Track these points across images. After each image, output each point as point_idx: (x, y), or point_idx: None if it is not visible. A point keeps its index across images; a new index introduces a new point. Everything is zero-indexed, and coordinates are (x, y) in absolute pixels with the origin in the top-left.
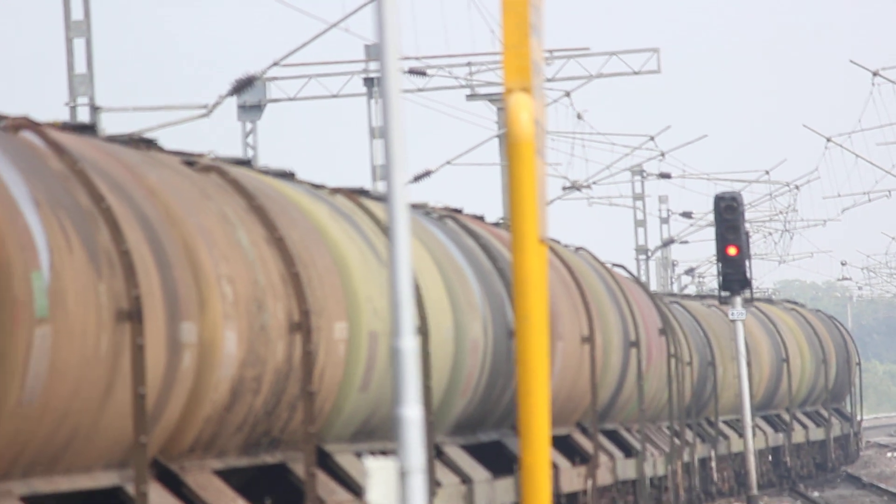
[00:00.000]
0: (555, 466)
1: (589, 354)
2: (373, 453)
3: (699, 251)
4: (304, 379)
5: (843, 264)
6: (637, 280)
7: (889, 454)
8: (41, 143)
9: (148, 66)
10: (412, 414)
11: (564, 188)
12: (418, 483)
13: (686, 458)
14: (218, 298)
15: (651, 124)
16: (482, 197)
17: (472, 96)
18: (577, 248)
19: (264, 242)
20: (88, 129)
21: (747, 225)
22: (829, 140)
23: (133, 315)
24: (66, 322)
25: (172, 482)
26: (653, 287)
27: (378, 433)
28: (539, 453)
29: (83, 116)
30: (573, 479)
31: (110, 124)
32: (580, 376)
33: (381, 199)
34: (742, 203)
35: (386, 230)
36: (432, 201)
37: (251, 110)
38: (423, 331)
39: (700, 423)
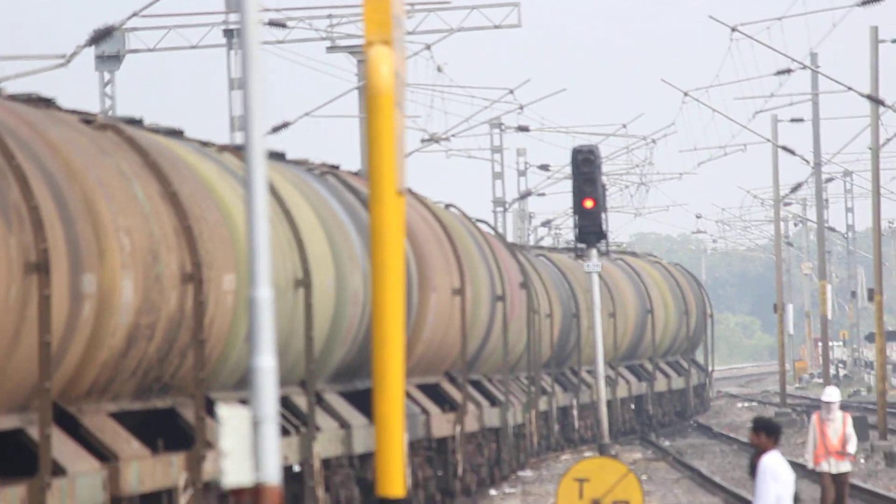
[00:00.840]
0: (426, 413)
1: (460, 306)
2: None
3: (556, 204)
4: (195, 328)
5: (697, 217)
6: (500, 236)
7: (739, 404)
8: None
9: (3, 14)
10: (266, 363)
11: (423, 140)
12: (271, 432)
13: (545, 406)
14: (116, 249)
15: (510, 78)
16: (341, 149)
17: (332, 48)
18: (448, 205)
19: (158, 197)
20: None
21: (604, 178)
22: (686, 94)
23: (41, 267)
24: None
25: (70, 424)
26: (510, 239)
27: None
28: (393, 402)
29: None
30: (443, 425)
31: None
32: (451, 327)
33: (268, 156)
34: (599, 156)
35: (270, 186)
36: (290, 152)
37: (109, 61)
38: (305, 283)
39: (564, 373)
